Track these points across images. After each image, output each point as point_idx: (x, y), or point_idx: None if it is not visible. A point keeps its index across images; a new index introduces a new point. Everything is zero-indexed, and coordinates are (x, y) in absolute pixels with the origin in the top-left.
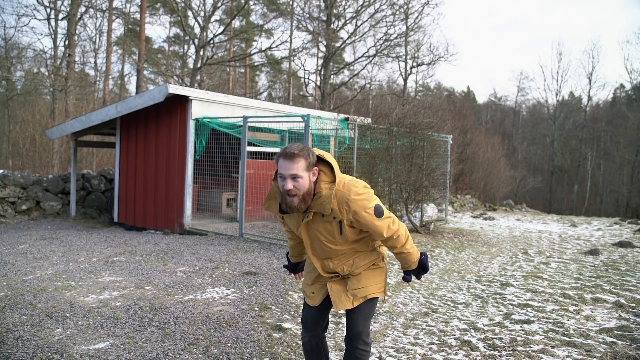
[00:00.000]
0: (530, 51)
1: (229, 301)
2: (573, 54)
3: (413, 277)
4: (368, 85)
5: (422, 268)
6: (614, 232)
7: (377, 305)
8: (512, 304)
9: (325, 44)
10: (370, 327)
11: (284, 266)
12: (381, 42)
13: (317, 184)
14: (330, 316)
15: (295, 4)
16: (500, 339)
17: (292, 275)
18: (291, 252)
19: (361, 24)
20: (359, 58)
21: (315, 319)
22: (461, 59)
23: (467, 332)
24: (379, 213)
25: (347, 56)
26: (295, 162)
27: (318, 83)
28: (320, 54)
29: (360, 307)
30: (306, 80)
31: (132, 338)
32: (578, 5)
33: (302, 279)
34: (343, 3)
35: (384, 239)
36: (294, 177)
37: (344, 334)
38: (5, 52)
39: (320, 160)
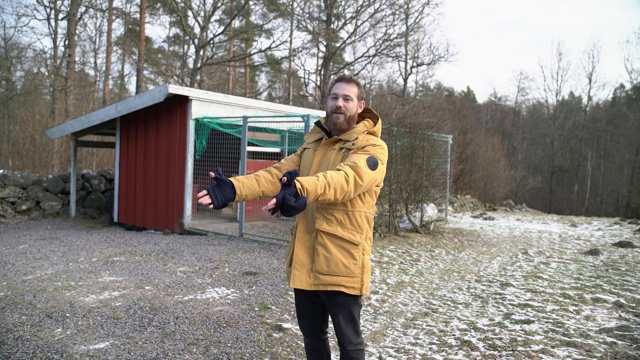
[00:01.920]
0: (530, 51)
1: (229, 301)
2: (573, 54)
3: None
4: (368, 85)
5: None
6: (614, 232)
7: (377, 305)
8: (512, 304)
9: (325, 44)
10: (360, 324)
11: (215, 178)
12: (381, 42)
13: (358, 122)
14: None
15: (295, 4)
16: (500, 339)
17: (204, 197)
18: (246, 179)
19: (361, 24)
20: (359, 58)
21: (311, 326)
22: (461, 59)
23: (467, 332)
24: (372, 163)
25: (347, 56)
26: (350, 85)
27: (318, 83)
28: (320, 54)
29: (338, 309)
30: (306, 80)
31: (132, 338)
32: (579, 5)
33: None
34: (343, 3)
35: (346, 166)
36: (346, 98)
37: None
38: (5, 52)
39: (371, 114)
